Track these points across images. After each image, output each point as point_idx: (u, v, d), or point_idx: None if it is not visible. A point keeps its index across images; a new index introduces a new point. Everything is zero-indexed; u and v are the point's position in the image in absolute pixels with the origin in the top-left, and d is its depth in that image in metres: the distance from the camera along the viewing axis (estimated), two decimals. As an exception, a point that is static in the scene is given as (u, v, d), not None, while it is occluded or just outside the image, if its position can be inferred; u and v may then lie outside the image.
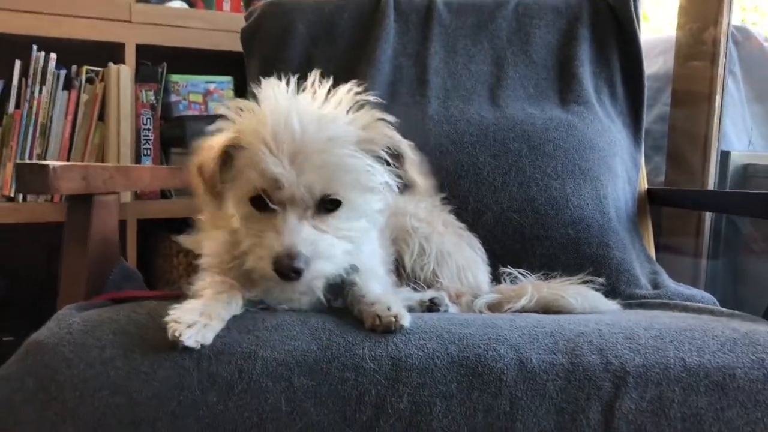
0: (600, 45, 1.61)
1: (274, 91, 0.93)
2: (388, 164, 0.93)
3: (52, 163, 0.98)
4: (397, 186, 0.95)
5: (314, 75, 0.95)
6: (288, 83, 0.94)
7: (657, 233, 1.74)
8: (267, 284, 0.96)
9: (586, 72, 1.57)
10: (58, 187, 0.99)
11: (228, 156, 0.90)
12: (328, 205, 0.89)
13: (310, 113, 0.89)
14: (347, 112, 0.93)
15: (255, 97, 0.94)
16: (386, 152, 0.93)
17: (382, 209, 0.97)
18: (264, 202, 0.87)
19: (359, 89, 0.95)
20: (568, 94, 1.54)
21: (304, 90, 0.94)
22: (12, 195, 1.88)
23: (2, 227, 1.85)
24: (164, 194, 2.09)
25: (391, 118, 0.93)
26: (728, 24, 2.01)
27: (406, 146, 0.95)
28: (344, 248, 0.90)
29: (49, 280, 2.13)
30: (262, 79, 0.94)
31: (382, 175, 0.92)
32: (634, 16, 1.60)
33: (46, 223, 1.87)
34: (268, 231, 0.86)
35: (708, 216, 2.03)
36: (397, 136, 0.94)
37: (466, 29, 1.63)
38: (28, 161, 1.71)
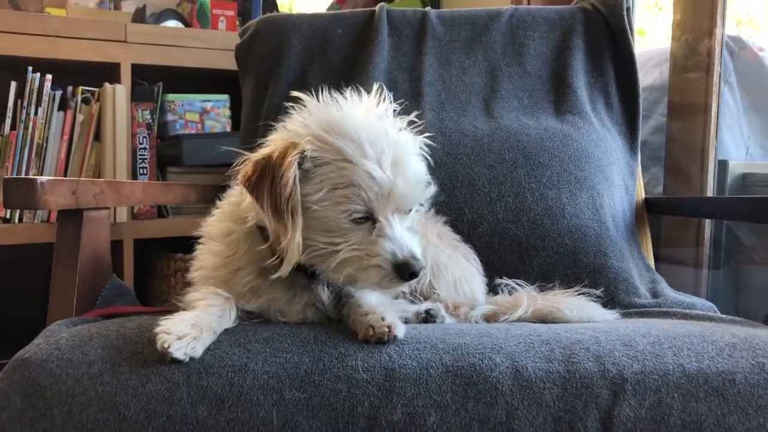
0: (594, 55, 1.61)
1: (334, 104, 0.93)
2: None
3: (40, 177, 0.97)
4: None
5: (377, 88, 0.97)
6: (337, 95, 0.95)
7: (657, 244, 1.72)
8: (272, 296, 0.96)
9: (580, 82, 1.57)
10: (46, 202, 0.98)
11: (306, 172, 0.89)
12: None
13: (385, 121, 0.93)
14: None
15: (278, 109, 0.95)
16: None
17: None
18: (364, 216, 0.88)
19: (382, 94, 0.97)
20: (563, 105, 1.54)
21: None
22: (8, 216, 1.88)
23: (-2, 248, 1.84)
24: (161, 213, 2.09)
25: (409, 118, 0.98)
26: (722, 35, 2.01)
27: None
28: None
29: (46, 301, 2.12)
30: (302, 95, 0.95)
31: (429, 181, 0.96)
32: (627, 27, 1.59)
33: (43, 244, 1.86)
34: (376, 240, 0.88)
35: (708, 226, 2.01)
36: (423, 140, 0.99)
37: (459, 42, 1.63)
38: (15, 176, 1.71)
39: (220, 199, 1.07)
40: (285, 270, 0.89)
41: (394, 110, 0.97)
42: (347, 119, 0.90)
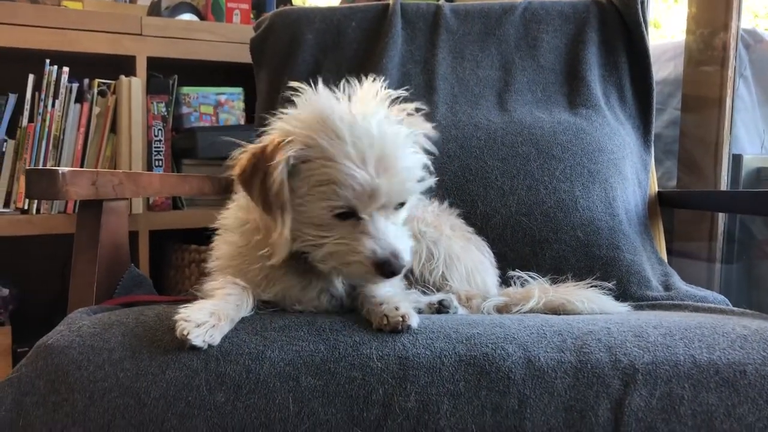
0: (608, 49, 1.61)
1: (327, 99, 0.94)
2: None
3: (61, 168, 0.99)
4: None
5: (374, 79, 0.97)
6: (331, 88, 0.96)
7: (670, 239, 1.71)
8: (287, 284, 0.98)
9: (594, 76, 1.57)
10: (67, 192, 1.00)
11: (292, 168, 0.90)
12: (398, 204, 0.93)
13: (373, 117, 0.91)
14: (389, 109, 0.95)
15: (289, 102, 0.96)
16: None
17: None
18: (346, 213, 0.89)
19: (383, 84, 0.97)
20: (577, 98, 1.54)
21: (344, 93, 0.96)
22: (26, 207, 1.90)
23: (17, 239, 1.87)
24: (176, 205, 2.11)
25: (414, 106, 0.97)
26: (737, 29, 2.00)
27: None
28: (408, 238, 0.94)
29: (63, 291, 2.15)
30: (302, 86, 0.95)
31: (428, 169, 0.96)
32: (642, 20, 1.59)
33: (60, 235, 1.89)
34: (359, 236, 0.89)
35: (721, 221, 2.01)
36: (430, 130, 0.98)
37: (473, 35, 1.64)
38: (37, 167, 1.73)
39: (236, 191, 1.09)
40: (275, 260, 0.92)
41: (397, 98, 0.97)
42: (333, 116, 0.90)
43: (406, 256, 0.89)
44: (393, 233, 0.90)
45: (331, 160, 0.88)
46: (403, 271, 0.90)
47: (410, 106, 0.97)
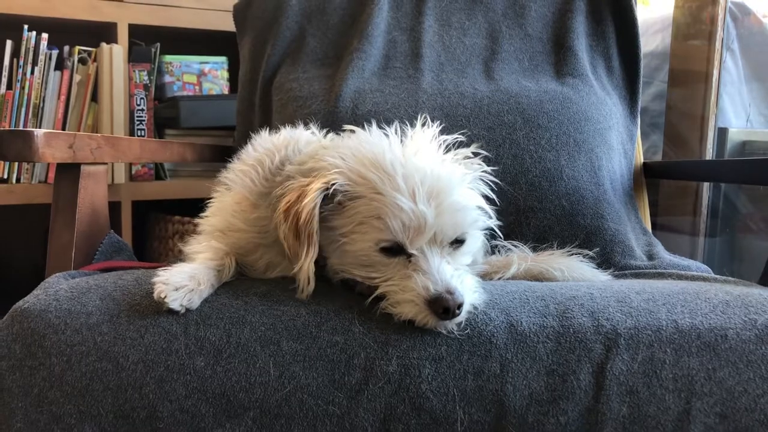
0: (596, 18, 1.59)
1: (380, 138, 0.92)
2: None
3: (36, 130, 0.97)
4: None
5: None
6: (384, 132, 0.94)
7: (655, 212, 1.72)
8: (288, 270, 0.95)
9: (581, 45, 1.55)
10: (43, 155, 0.98)
11: (338, 206, 0.88)
12: (454, 243, 0.88)
13: (426, 156, 0.90)
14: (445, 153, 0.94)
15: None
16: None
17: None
18: (394, 249, 0.86)
19: (438, 129, 0.96)
20: (564, 67, 1.52)
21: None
22: (6, 177, 1.87)
23: (-4, 209, 1.84)
24: (159, 175, 2.08)
25: (472, 150, 0.95)
26: (726, 2, 2.00)
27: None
28: (474, 281, 0.89)
29: (44, 262, 2.13)
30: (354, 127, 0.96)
31: (487, 213, 0.92)
32: (630, -11, 1.58)
33: (41, 205, 1.86)
34: (410, 273, 0.84)
35: (705, 194, 2.02)
36: (489, 176, 0.96)
37: (460, 3, 1.62)
38: (12, 129, 1.70)
39: (229, 159, 1.07)
40: (302, 296, 0.89)
41: (453, 143, 0.95)
42: (384, 154, 0.88)
43: (466, 296, 0.83)
44: (449, 271, 0.84)
45: (379, 193, 0.85)
46: (463, 313, 0.83)
47: (467, 151, 0.95)
